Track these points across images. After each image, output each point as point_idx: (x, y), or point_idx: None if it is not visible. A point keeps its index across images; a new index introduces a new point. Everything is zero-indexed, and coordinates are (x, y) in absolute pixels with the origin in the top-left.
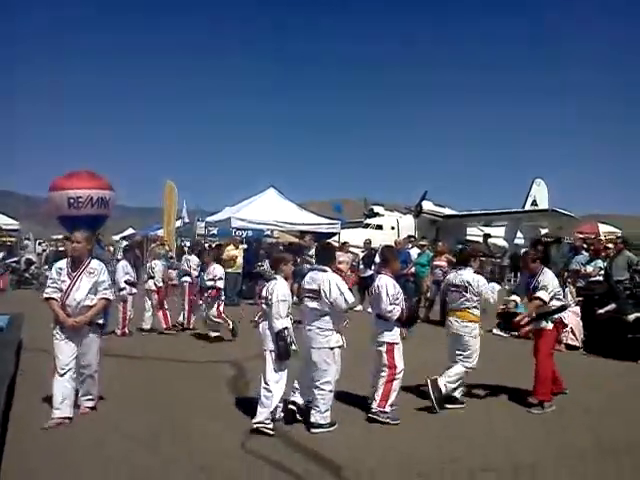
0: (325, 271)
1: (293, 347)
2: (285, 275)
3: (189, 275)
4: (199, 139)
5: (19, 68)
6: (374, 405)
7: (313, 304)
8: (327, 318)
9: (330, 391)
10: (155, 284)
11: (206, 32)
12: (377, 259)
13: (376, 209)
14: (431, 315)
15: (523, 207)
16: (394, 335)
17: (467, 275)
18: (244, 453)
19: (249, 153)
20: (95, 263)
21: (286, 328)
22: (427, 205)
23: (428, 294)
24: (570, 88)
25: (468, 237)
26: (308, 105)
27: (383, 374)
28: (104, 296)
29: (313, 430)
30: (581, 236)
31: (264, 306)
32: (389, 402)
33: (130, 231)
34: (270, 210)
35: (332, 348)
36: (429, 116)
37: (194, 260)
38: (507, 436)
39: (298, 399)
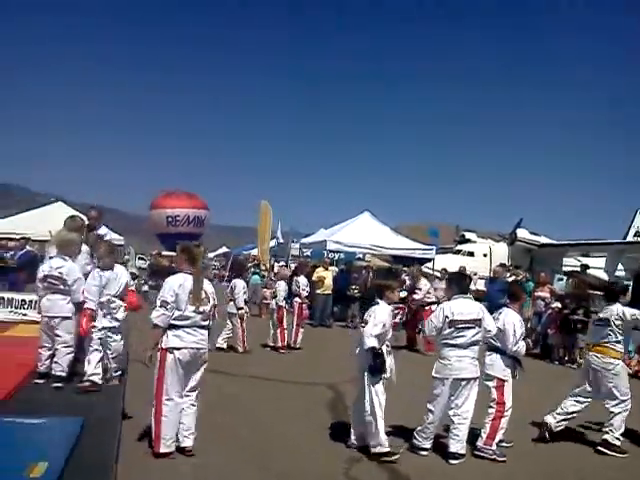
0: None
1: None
2: (389, 302)
3: (299, 296)
4: (291, 158)
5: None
6: (480, 443)
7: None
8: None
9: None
10: (277, 303)
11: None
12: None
13: (468, 235)
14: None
15: (625, 238)
16: (506, 371)
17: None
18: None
19: (342, 174)
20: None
21: (374, 347)
22: (522, 233)
23: (529, 325)
24: None
25: (565, 267)
26: (401, 126)
27: (491, 410)
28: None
29: (452, 461)
30: None
31: (361, 329)
32: (496, 440)
33: (224, 249)
34: (365, 234)
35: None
36: (525, 142)
37: (302, 281)
38: None
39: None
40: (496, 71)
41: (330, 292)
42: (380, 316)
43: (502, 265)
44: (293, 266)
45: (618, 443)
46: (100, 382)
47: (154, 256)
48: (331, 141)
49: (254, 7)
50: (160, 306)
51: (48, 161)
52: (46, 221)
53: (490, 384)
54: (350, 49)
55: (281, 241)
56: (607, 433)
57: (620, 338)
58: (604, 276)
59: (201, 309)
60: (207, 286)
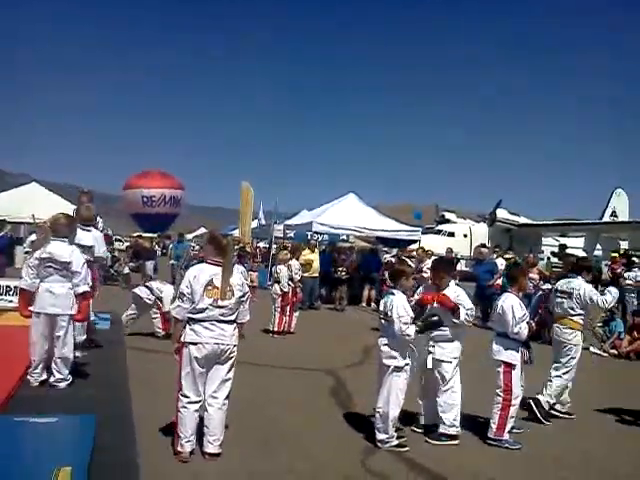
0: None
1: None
2: (404, 289)
3: (292, 280)
4: (269, 140)
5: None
6: (490, 434)
7: None
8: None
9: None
10: (281, 289)
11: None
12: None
13: (447, 215)
14: None
15: (601, 218)
16: (513, 355)
17: (576, 283)
18: (364, 472)
19: (321, 155)
20: None
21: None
22: (501, 213)
23: None
24: None
25: (543, 247)
26: (379, 106)
27: (498, 399)
28: None
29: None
30: None
31: (382, 321)
32: (506, 430)
33: (202, 230)
34: (351, 215)
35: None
36: (501, 123)
37: (295, 264)
38: None
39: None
40: (478, 53)
41: (317, 275)
42: (401, 310)
43: (482, 245)
44: (275, 247)
45: (546, 407)
46: None
47: (135, 238)
48: (309, 122)
49: None
50: (178, 297)
51: (15, 140)
52: (21, 202)
53: (499, 369)
54: (331, 30)
55: (263, 222)
56: (542, 394)
57: (580, 311)
58: (583, 255)
59: (221, 303)
60: (235, 278)
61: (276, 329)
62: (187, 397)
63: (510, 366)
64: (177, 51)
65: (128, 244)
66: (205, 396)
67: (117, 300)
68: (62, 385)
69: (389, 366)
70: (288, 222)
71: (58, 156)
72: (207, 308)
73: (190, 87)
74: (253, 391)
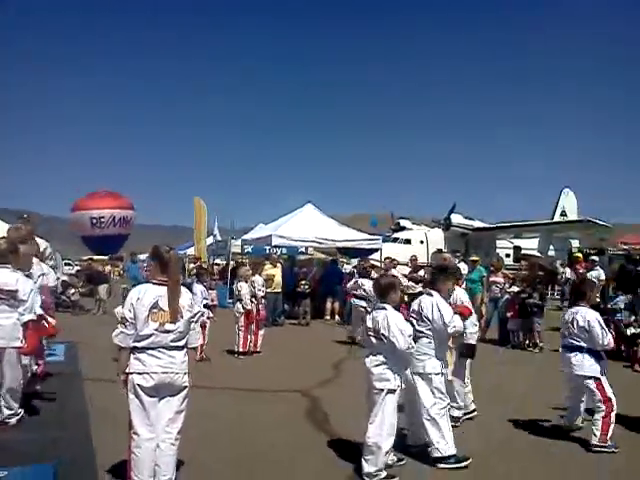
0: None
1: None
2: (393, 303)
3: (254, 296)
4: (220, 157)
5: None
6: (595, 441)
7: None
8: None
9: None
10: (243, 307)
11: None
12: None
13: (403, 222)
14: (488, 335)
15: (552, 218)
16: (597, 368)
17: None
18: None
19: (272, 168)
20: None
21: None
22: (456, 218)
23: (484, 312)
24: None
25: (498, 250)
26: (324, 120)
27: (600, 409)
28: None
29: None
30: (625, 247)
31: (372, 339)
32: (609, 435)
33: None
34: (310, 226)
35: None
36: (449, 127)
37: (259, 281)
38: None
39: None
40: (426, 56)
41: (280, 290)
42: (401, 324)
43: (455, 251)
44: (233, 263)
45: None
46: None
47: (87, 262)
48: (253, 135)
49: None
50: (120, 323)
51: None
52: None
53: (590, 384)
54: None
55: (219, 238)
56: None
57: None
58: (538, 256)
59: (168, 327)
60: (184, 299)
61: (241, 349)
62: (138, 435)
63: (599, 379)
64: (116, 62)
65: (79, 268)
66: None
67: (70, 328)
68: (13, 421)
69: (382, 390)
70: (246, 237)
71: None
72: (153, 334)
73: (139, 104)
74: (224, 418)
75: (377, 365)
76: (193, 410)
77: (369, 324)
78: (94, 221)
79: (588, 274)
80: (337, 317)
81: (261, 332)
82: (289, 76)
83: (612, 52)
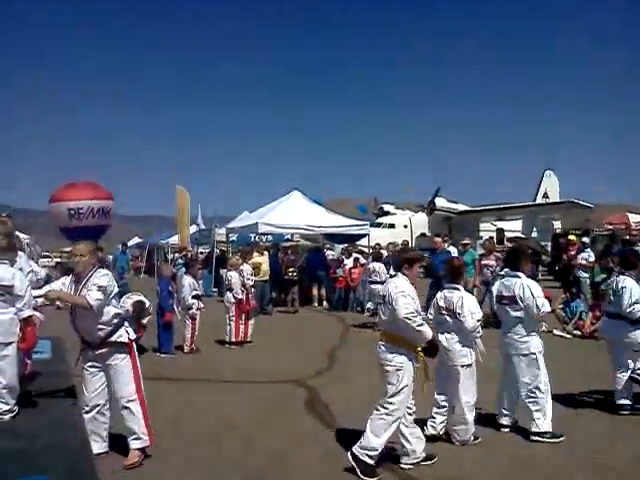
0: (518, 277)
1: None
2: (466, 284)
3: (244, 285)
4: (202, 145)
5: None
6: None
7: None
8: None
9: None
10: (234, 296)
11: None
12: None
13: (386, 207)
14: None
15: (534, 200)
16: None
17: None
18: None
19: (248, 156)
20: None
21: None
22: (440, 202)
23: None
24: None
25: (481, 232)
26: (305, 107)
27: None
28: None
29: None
30: (610, 227)
31: (446, 317)
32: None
33: (137, 240)
34: (297, 213)
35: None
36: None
37: (247, 269)
38: None
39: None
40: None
41: (267, 278)
42: (473, 306)
43: (444, 235)
44: (217, 252)
45: None
46: None
47: (67, 253)
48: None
49: None
50: None
51: None
52: None
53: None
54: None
55: (203, 227)
56: None
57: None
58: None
59: None
60: None
61: (233, 339)
62: None
63: None
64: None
65: (58, 260)
66: None
67: (54, 323)
68: (7, 417)
69: (463, 365)
70: (231, 225)
71: None
72: None
73: (119, 92)
74: (221, 412)
75: (455, 342)
76: (192, 406)
77: (441, 303)
78: (72, 212)
79: (579, 255)
80: (325, 303)
81: (251, 322)
82: (272, 63)
83: (593, 32)
